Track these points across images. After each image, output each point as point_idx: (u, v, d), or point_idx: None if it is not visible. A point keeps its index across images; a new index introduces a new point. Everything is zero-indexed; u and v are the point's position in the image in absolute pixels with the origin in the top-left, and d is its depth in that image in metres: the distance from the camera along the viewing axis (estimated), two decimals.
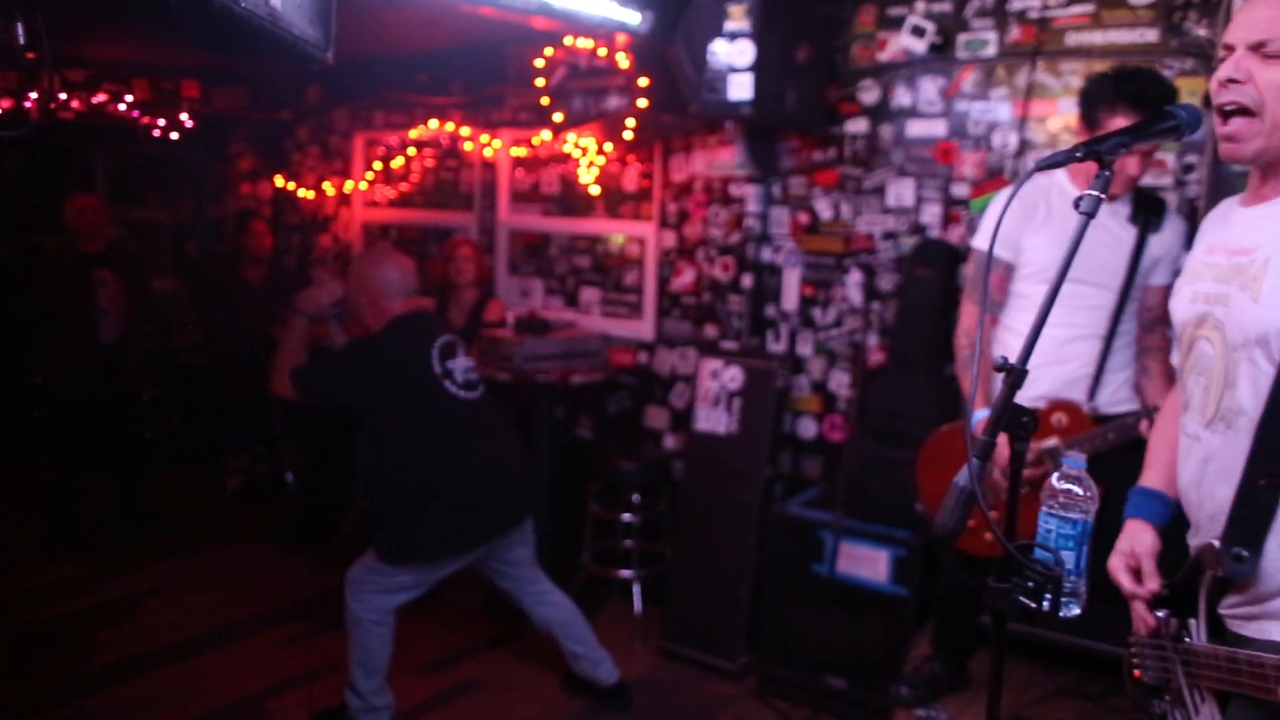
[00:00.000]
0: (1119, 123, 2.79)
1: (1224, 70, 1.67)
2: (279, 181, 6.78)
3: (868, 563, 3.88)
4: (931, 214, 4.22)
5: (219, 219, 7.39)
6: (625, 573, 4.68)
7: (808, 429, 4.58)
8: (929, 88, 4.21)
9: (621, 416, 5.22)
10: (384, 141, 6.22)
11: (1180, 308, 1.90)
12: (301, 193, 6.67)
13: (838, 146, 4.43)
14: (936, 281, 4.03)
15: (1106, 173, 1.59)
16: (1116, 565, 1.97)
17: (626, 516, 4.65)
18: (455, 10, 3.58)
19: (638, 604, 4.64)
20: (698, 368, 4.59)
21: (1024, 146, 3.99)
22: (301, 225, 6.81)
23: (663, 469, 4.85)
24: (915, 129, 4.25)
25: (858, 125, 4.37)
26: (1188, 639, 1.86)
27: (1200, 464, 1.82)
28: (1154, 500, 2.00)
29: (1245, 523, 1.69)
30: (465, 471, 3.49)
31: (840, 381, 4.47)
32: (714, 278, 4.79)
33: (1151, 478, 2.04)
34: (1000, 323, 3.25)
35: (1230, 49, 1.67)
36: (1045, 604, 1.54)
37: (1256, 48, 1.63)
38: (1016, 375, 1.55)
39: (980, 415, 3.10)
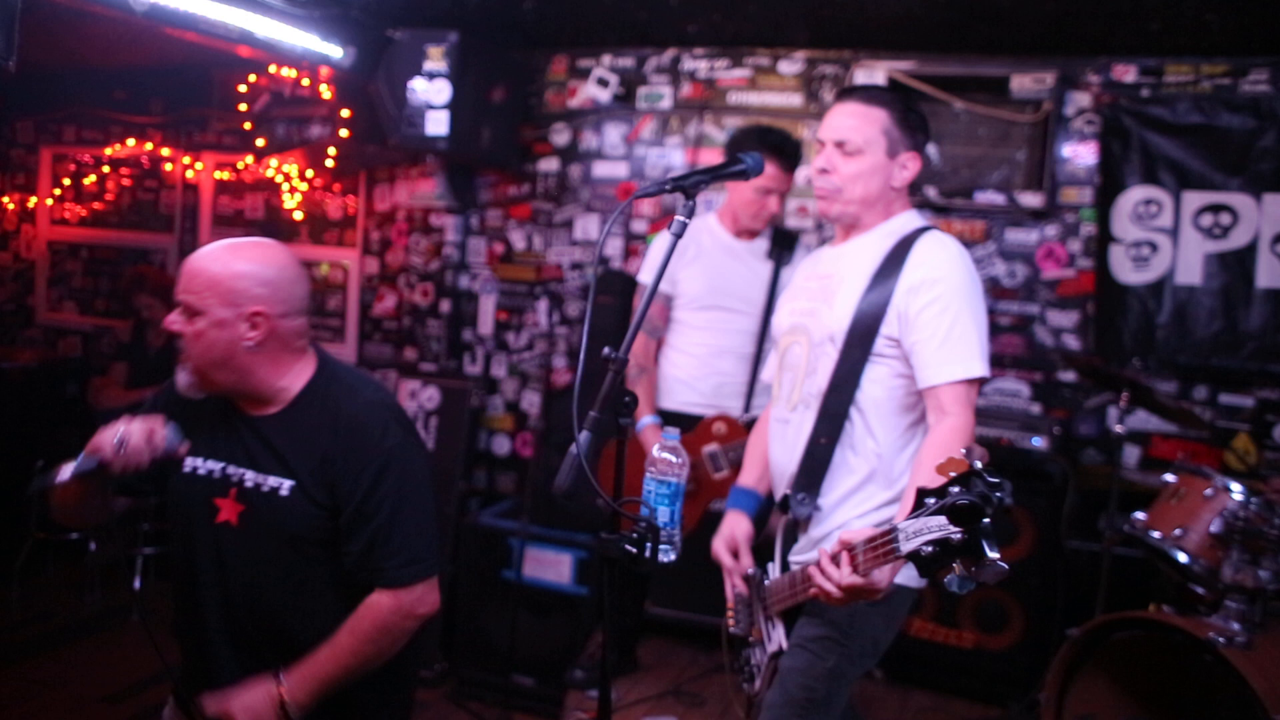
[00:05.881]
0: None
1: (817, 161, 2.24)
2: None
3: (552, 566, 4.19)
4: (614, 247, 4.64)
5: None
6: None
7: (502, 446, 4.86)
8: (613, 133, 4.65)
9: None
10: (76, 157, 6.00)
11: (781, 321, 2.42)
12: None
13: (531, 183, 4.79)
14: (616, 309, 4.44)
15: (690, 203, 1.95)
16: (719, 547, 2.45)
17: None
18: (157, 31, 3.61)
19: None
20: (397, 389, 4.77)
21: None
22: None
23: None
24: (601, 170, 4.68)
25: (550, 164, 4.75)
26: (766, 580, 2.31)
27: (785, 438, 2.29)
28: (748, 496, 2.50)
29: (809, 473, 2.17)
30: None
31: (532, 401, 4.80)
32: (414, 303, 5.00)
33: (746, 477, 2.54)
34: (666, 342, 3.68)
35: (823, 144, 2.22)
36: (647, 551, 1.88)
37: (839, 145, 2.19)
38: (619, 363, 1.89)
39: (645, 422, 3.52)
